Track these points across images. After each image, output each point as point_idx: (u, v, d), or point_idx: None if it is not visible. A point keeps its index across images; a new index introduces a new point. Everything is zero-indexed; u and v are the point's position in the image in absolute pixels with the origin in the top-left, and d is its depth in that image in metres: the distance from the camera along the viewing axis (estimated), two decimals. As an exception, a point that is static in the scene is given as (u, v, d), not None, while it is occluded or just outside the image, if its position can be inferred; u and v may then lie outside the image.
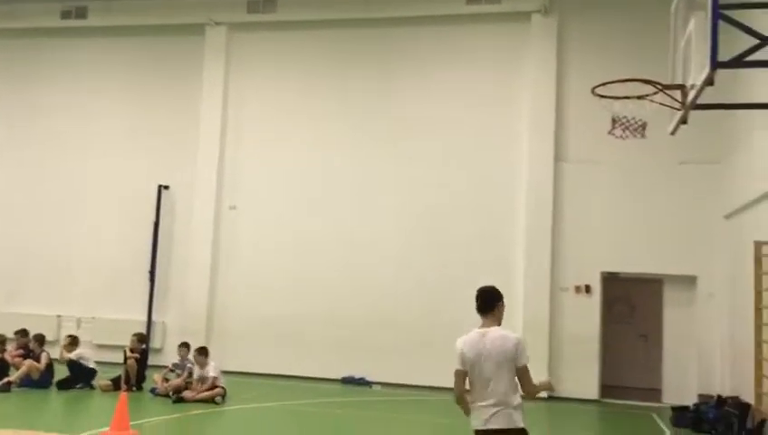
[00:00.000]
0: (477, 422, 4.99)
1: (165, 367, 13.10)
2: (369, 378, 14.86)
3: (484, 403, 4.95)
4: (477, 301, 5.20)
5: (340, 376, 14.98)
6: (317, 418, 11.44)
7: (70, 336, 13.37)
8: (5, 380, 12.28)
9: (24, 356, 12.90)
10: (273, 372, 15.15)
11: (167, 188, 16.61)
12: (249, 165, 16.33)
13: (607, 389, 14.38)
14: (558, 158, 14.76)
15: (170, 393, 12.00)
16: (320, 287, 15.47)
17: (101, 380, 12.74)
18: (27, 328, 13.62)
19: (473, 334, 5.09)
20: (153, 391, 12.35)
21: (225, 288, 16.06)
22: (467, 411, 5.08)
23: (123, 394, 7.40)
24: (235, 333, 15.74)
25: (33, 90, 17.74)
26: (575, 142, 14.81)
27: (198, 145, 16.45)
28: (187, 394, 11.83)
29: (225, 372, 12.76)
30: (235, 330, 15.79)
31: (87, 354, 13.09)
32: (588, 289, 14.44)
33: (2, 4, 17.39)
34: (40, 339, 13.26)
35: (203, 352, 12.37)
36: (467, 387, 5.10)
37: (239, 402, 12.02)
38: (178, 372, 12.50)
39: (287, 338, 15.43)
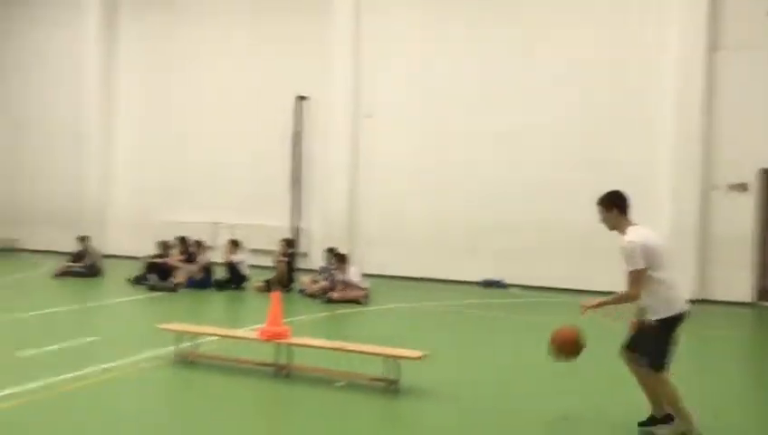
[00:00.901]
0: (679, 305, 5.58)
1: (311, 270, 13.84)
2: (506, 280, 14.96)
3: (678, 290, 5.63)
4: (626, 202, 5.70)
5: (479, 279, 15.17)
6: (455, 317, 11.75)
7: (232, 240, 14.35)
8: (173, 280, 13.50)
9: (186, 260, 14.07)
10: (412, 275, 15.59)
11: (304, 98, 17.01)
12: (384, 72, 16.32)
13: (765, 293, 13.64)
14: (712, 46, 13.61)
15: (318, 294, 12.71)
16: (458, 191, 15.53)
17: (256, 281, 13.68)
18: (187, 234, 14.77)
19: (646, 230, 5.62)
20: (302, 292, 13.12)
21: (365, 195, 16.47)
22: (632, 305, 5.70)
23: (276, 293, 7.87)
24: (376, 238, 16.23)
25: (174, 7, 18.50)
26: (731, 27, 13.55)
27: (334, 54, 16.60)
28: (333, 295, 12.47)
29: (367, 276, 13.30)
30: (375, 235, 16.28)
31: (245, 260, 14.07)
32: (743, 187, 13.52)
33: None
34: (198, 243, 14.39)
35: (341, 258, 12.93)
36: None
37: (381, 303, 12.54)
38: (325, 275, 13.15)
39: (426, 242, 15.74)
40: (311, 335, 8.45)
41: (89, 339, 9.07)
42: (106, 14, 18.99)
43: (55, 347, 8.43)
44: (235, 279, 13.75)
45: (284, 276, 13.56)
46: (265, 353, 7.60)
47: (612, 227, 5.73)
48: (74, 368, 7.40)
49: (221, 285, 13.68)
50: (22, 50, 20.13)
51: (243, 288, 13.71)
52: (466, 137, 15.49)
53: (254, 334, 7.80)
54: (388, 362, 6.93)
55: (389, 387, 6.84)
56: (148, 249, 14.82)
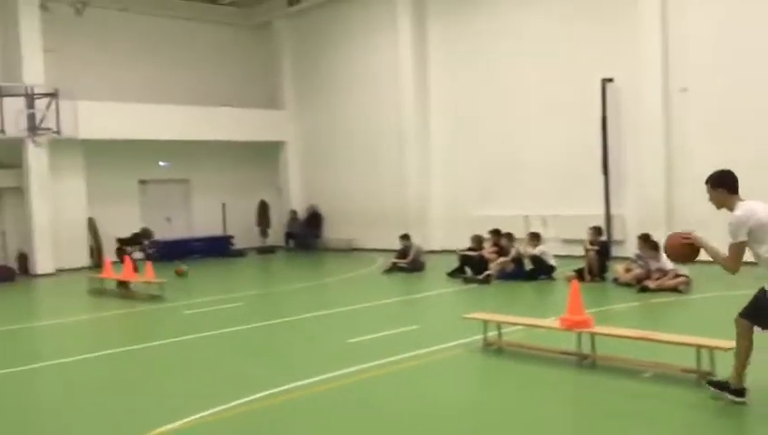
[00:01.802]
0: None
1: (627, 258, 13.32)
2: None
3: None
4: (732, 180, 5.76)
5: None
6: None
7: (532, 233, 14.56)
8: (486, 273, 14.07)
9: (498, 253, 14.53)
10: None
11: (610, 80, 16.42)
12: (695, 42, 15.06)
13: None
14: None
15: (632, 283, 12.21)
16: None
17: (567, 272, 13.61)
18: (499, 228, 15.25)
19: (757, 204, 5.66)
20: (615, 280, 12.72)
21: (682, 177, 15.33)
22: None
23: (575, 282, 7.83)
24: (699, 222, 14.94)
25: (477, 12, 19.17)
26: None
27: (640, 32, 15.78)
28: (649, 284, 11.88)
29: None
30: (697, 219, 14.99)
31: (548, 250, 14.12)
32: None
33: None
34: (509, 236, 14.76)
35: (654, 245, 12.22)
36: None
37: (703, 291, 11.60)
38: (640, 263, 12.58)
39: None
40: (623, 325, 8.21)
41: (410, 327, 9.94)
42: (416, 25, 20.41)
43: (380, 335, 9.42)
44: (543, 270, 13.84)
45: (595, 265, 13.27)
46: (570, 342, 7.61)
47: (720, 205, 5.82)
48: (395, 353, 8.21)
49: (531, 276, 13.88)
50: (346, 72, 22.63)
51: (553, 278, 13.74)
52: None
53: (555, 323, 7.85)
54: (701, 352, 6.47)
55: (702, 379, 6.38)
56: (463, 243, 15.62)
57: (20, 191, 19.45)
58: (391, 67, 20.92)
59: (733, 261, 5.63)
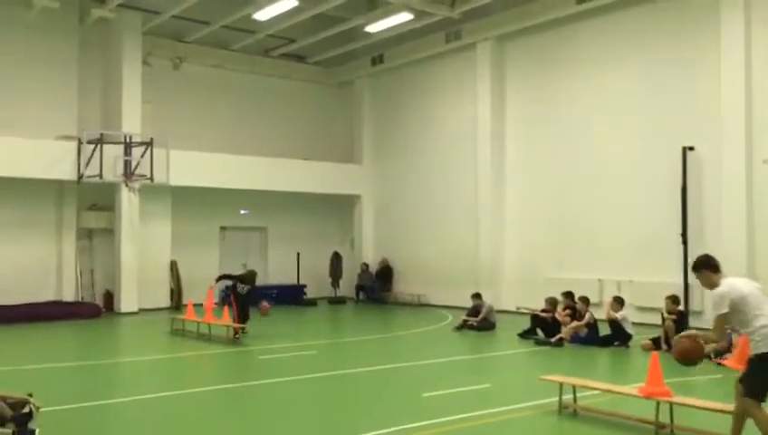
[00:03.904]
0: None
1: (704, 329, 13.01)
2: None
3: None
4: (711, 262, 6.44)
5: None
6: None
7: (616, 297, 14.37)
8: (558, 336, 14.00)
9: (572, 315, 14.45)
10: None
11: (692, 149, 16.33)
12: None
13: None
14: None
15: (712, 354, 11.92)
16: None
17: (643, 340, 13.40)
18: (572, 290, 15.18)
19: (738, 280, 6.35)
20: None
21: (765, 249, 15.01)
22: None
23: (655, 353, 7.84)
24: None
25: (556, 74, 19.47)
26: None
27: (721, 100, 15.75)
28: (725, 357, 11.61)
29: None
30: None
31: (628, 317, 13.95)
32: None
33: (519, 6, 19.60)
34: (584, 300, 14.67)
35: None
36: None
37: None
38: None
39: None
40: (703, 397, 8.10)
41: (482, 386, 10.02)
42: (496, 87, 20.73)
43: (453, 391, 9.54)
44: (619, 336, 13.67)
45: (672, 335, 13.01)
46: (646, 412, 7.56)
47: (710, 286, 6.38)
48: (468, 410, 8.31)
49: (605, 342, 13.72)
50: (424, 129, 23.16)
51: (628, 346, 13.55)
52: None
53: (633, 391, 7.83)
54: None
55: (786, 458, 6.25)
56: (536, 304, 15.60)
57: (110, 232, 20.53)
58: (468, 126, 21.33)
59: (716, 332, 6.28)
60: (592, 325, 14.12)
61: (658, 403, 7.35)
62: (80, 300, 20.06)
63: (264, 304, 17.92)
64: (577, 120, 18.87)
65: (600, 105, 18.38)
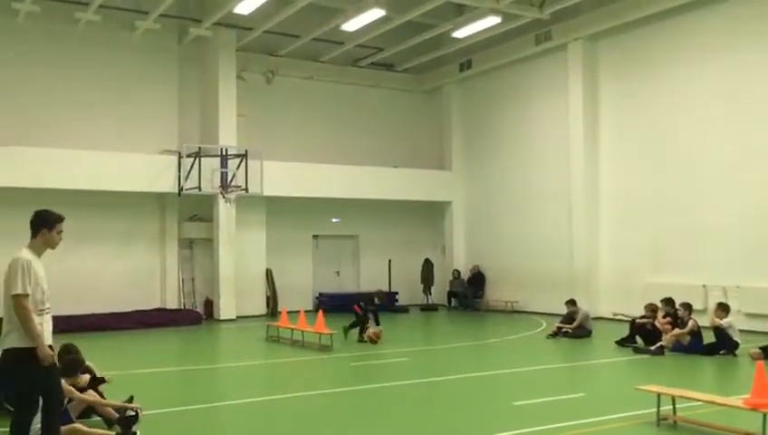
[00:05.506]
0: None
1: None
2: None
3: None
4: None
5: None
6: None
7: (720, 304, 13.61)
8: (658, 344, 13.44)
9: (673, 323, 13.83)
10: None
11: (802, 145, 15.39)
12: None
13: None
14: None
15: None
16: None
17: (751, 348, 12.68)
18: (673, 296, 14.54)
19: None
20: (807, 361, 11.69)
21: None
22: None
23: (761, 362, 7.38)
24: None
25: (651, 72, 18.75)
26: None
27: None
28: None
29: None
30: None
31: (734, 324, 13.23)
32: None
33: (609, 4, 19.04)
34: (687, 306, 13.99)
35: None
36: None
37: None
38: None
39: None
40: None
41: (577, 395, 9.73)
42: (588, 86, 20.21)
43: (545, 399, 9.31)
44: (724, 344, 12.97)
45: (784, 343, 12.28)
46: (752, 425, 7.14)
47: None
48: (561, 419, 8.09)
49: (710, 351, 13.05)
50: (514, 134, 22.85)
51: (735, 355, 12.84)
52: None
53: (737, 402, 7.41)
54: None
55: None
56: (635, 311, 15.05)
57: (209, 242, 21.31)
58: (560, 128, 20.88)
59: None
60: (696, 333, 13.46)
61: (765, 415, 6.92)
62: (182, 307, 20.92)
63: (377, 330, 15.52)
64: (676, 117, 18.09)
65: (698, 100, 17.56)
